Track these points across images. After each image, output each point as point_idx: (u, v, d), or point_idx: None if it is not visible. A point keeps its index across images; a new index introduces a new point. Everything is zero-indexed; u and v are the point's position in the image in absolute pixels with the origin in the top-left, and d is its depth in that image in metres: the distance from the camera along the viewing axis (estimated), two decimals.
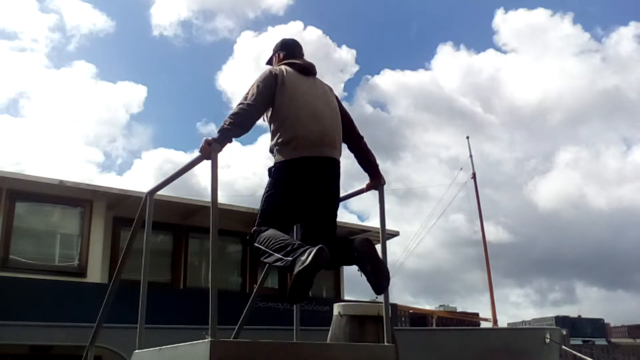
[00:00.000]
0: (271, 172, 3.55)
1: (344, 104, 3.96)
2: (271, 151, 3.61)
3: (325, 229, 3.58)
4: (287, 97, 3.56)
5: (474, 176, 22.48)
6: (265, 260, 3.25)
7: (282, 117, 3.53)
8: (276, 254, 3.13)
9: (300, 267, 2.93)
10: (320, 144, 3.51)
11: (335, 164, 3.63)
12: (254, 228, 3.41)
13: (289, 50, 3.99)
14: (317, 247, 2.97)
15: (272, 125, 3.60)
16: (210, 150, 3.17)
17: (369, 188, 3.98)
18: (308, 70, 3.82)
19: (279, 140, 3.51)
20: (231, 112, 3.46)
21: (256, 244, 3.32)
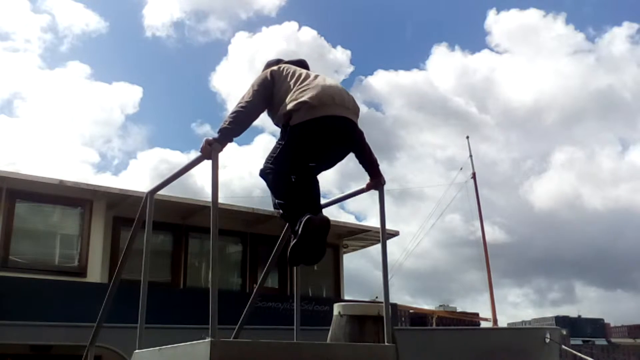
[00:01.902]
0: (285, 130, 3.56)
1: None
2: (281, 120, 3.60)
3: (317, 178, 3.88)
4: (288, 82, 3.63)
5: (474, 176, 22.45)
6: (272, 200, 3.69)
7: (288, 96, 3.56)
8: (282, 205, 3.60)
9: (293, 243, 3.45)
10: (332, 105, 3.52)
11: (352, 123, 3.63)
12: (265, 165, 3.66)
13: (279, 60, 4.04)
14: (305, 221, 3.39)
15: (276, 109, 3.62)
16: (210, 150, 3.17)
17: (369, 188, 3.97)
18: (302, 64, 3.94)
19: (290, 108, 3.50)
20: (231, 111, 3.48)
21: (267, 181, 3.67)
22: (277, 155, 3.59)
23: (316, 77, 3.70)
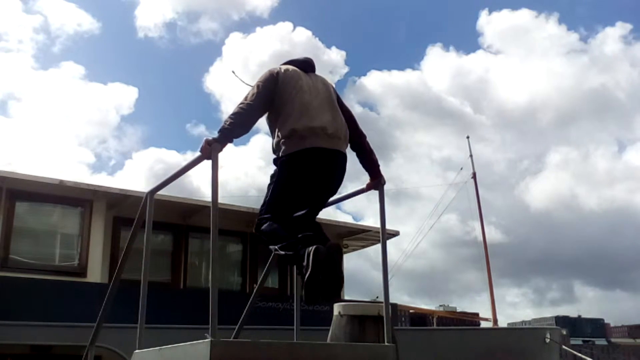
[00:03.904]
0: (277, 164, 3.55)
1: None
2: (274, 148, 3.59)
3: (316, 214, 3.65)
4: (288, 94, 3.57)
5: (474, 176, 22.47)
6: (271, 248, 3.43)
7: (284, 114, 3.53)
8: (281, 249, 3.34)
9: (307, 275, 3.10)
10: (323, 136, 3.50)
11: (341, 156, 3.61)
12: (259, 217, 3.52)
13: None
14: (314, 250, 3.11)
15: (273, 123, 3.60)
16: (210, 150, 3.17)
17: (369, 188, 3.97)
18: (307, 64, 3.85)
19: (283, 134, 3.49)
20: (231, 112, 3.47)
21: (263, 234, 3.48)
22: (270, 199, 3.53)
23: (313, 92, 3.63)
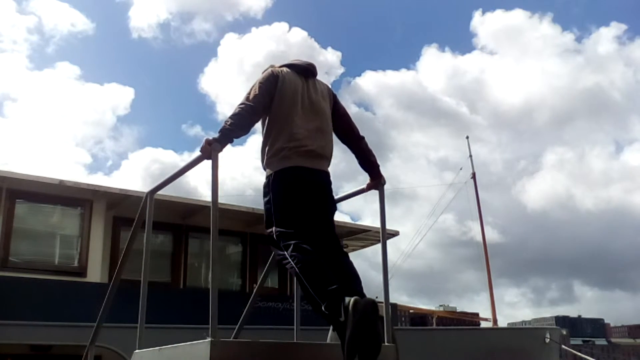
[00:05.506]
0: (267, 187, 3.45)
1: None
2: (262, 159, 3.55)
3: (332, 247, 3.42)
4: (283, 103, 3.51)
5: (473, 176, 22.52)
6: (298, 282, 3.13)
7: (276, 126, 3.49)
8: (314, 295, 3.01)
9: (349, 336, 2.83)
10: (310, 155, 3.45)
11: (325, 176, 3.56)
12: (272, 236, 3.30)
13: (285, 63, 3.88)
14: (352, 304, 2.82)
15: (265, 132, 3.55)
16: (210, 150, 3.17)
17: (369, 188, 3.97)
18: (308, 70, 3.74)
19: (271, 150, 3.45)
20: (232, 112, 3.44)
21: (286, 262, 3.18)
22: (275, 222, 3.33)
23: (307, 110, 3.57)
